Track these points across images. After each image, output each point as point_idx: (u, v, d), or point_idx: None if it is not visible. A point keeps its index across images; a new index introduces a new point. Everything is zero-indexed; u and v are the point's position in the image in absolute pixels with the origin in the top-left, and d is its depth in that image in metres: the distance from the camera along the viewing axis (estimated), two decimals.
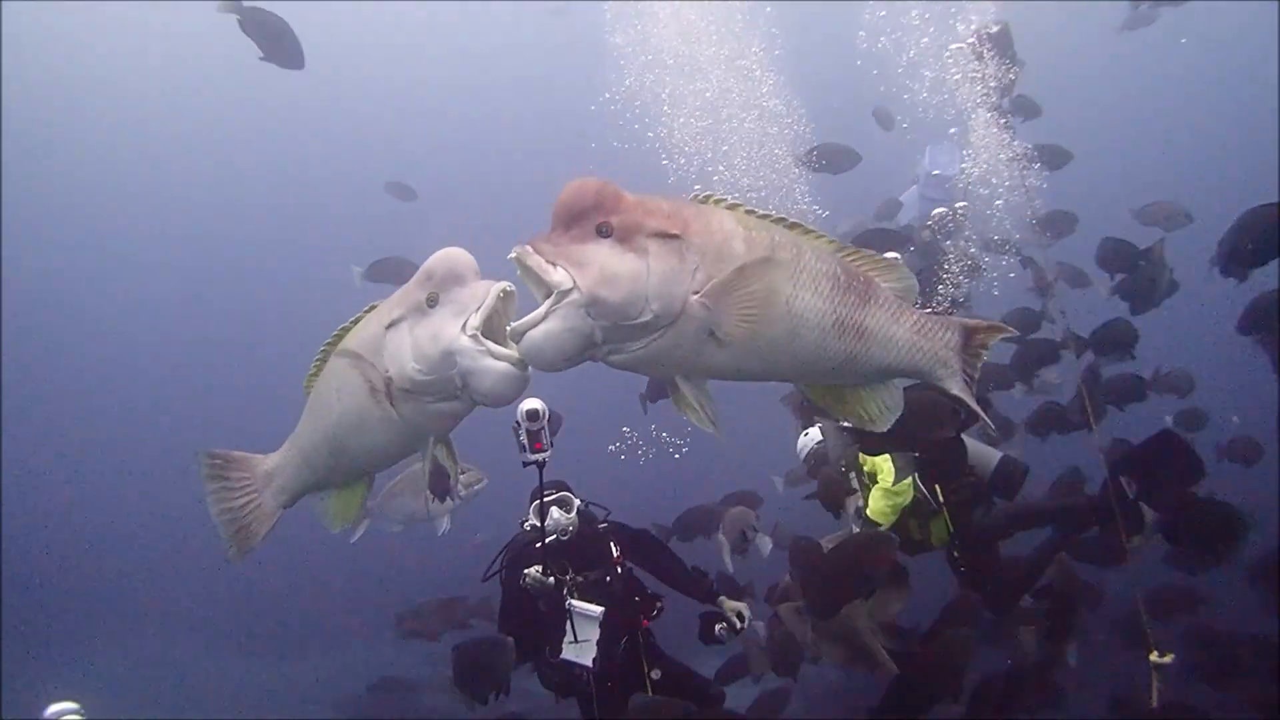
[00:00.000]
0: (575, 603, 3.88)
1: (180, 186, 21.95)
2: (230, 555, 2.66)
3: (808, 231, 2.21)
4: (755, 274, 1.95)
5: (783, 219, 2.17)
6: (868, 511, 4.65)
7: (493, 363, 2.15)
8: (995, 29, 6.20)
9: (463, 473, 6.48)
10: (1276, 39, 17.68)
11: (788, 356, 2.14)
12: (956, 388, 2.37)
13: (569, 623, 3.84)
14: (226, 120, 21.27)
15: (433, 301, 2.25)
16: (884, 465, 4.71)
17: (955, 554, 4.64)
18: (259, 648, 11.69)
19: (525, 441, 3.29)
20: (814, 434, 5.16)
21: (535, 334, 1.93)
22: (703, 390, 2.16)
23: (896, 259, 2.43)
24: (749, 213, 2.14)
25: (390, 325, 2.32)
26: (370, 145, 21.55)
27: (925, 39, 7.25)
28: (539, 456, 3.30)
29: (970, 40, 6.26)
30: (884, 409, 2.40)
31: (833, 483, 4.88)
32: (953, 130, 7.09)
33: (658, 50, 7.65)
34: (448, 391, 2.27)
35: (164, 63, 20.93)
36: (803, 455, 5.17)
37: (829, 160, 6.94)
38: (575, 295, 1.90)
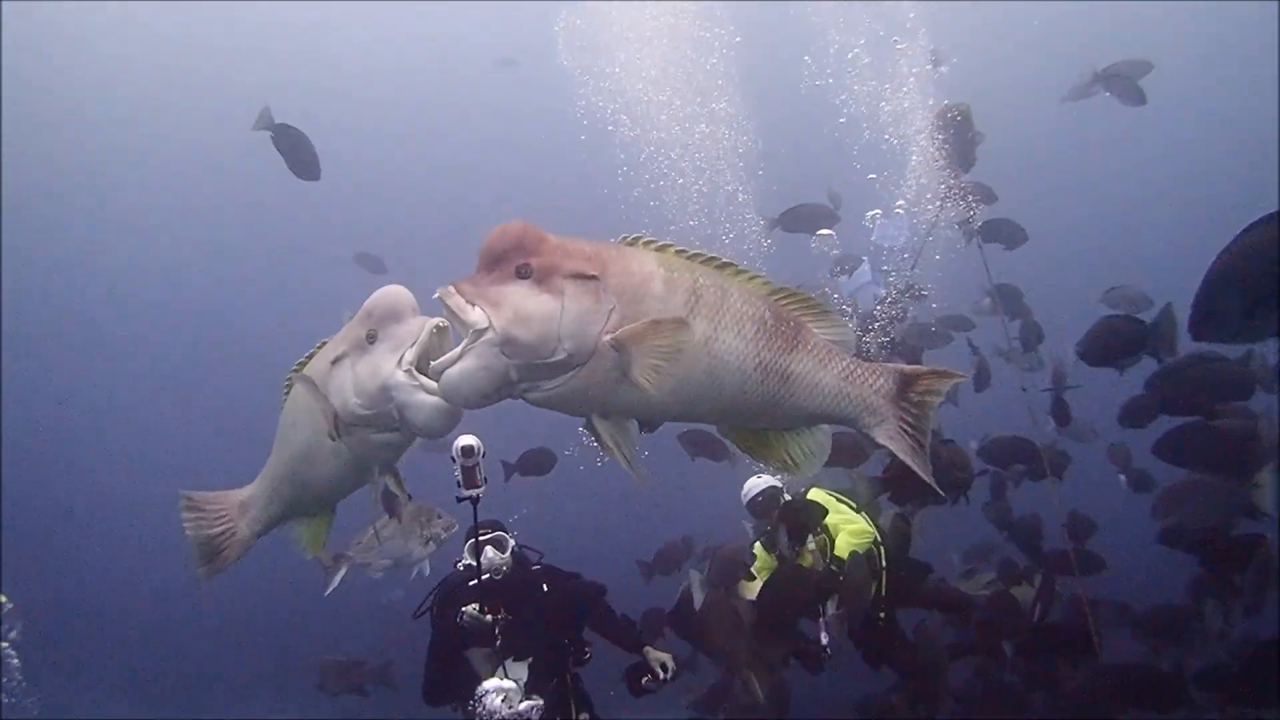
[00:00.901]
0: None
1: (180, 186, 21.93)
2: (199, 576, 2.83)
3: (740, 272, 2.22)
4: (666, 330, 1.98)
5: (714, 258, 2.19)
6: (835, 551, 4.81)
7: (425, 397, 2.25)
8: (956, 109, 6.38)
9: (438, 517, 6.55)
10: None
11: (707, 398, 2.14)
12: (883, 436, 2.30)
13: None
14: (224, 120, 21.52)
15: (372, 338, 2.37)
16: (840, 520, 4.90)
17: (880, 616, 4.69)
18: (172, 698, 11.48)
19: (460, 477, 3.28)
20: (763, 480, 5.24)
21: (451, 372, 1.98)
22: (621, 429, 2.16)
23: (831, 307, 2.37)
24: (679, 253, 2.17)
25: (335, 361, 2.44)
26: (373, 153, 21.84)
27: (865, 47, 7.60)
28: (473, 493, 3.30)
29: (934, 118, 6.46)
30: (809, 454, 2.36)
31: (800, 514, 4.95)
32: (899, 205, 7.30)
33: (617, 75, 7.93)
34: (388, 424, 2.38)
35: (163, 64, 21.02)
36: (746, 499, 5.22)
37: (805, 221, 7.13)
38: (490, 334, 1.94)
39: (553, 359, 1.97)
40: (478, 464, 3.27)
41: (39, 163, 20.45)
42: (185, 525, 2.83)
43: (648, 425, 6.11)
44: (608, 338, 1.99)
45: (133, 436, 18.39)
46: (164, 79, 20.84)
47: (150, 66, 20.72)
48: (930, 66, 7.18)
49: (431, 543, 6.54)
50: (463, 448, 3.24)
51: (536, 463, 7.01)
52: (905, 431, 2.30)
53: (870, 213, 7.40)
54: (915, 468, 2.29)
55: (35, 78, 19.81)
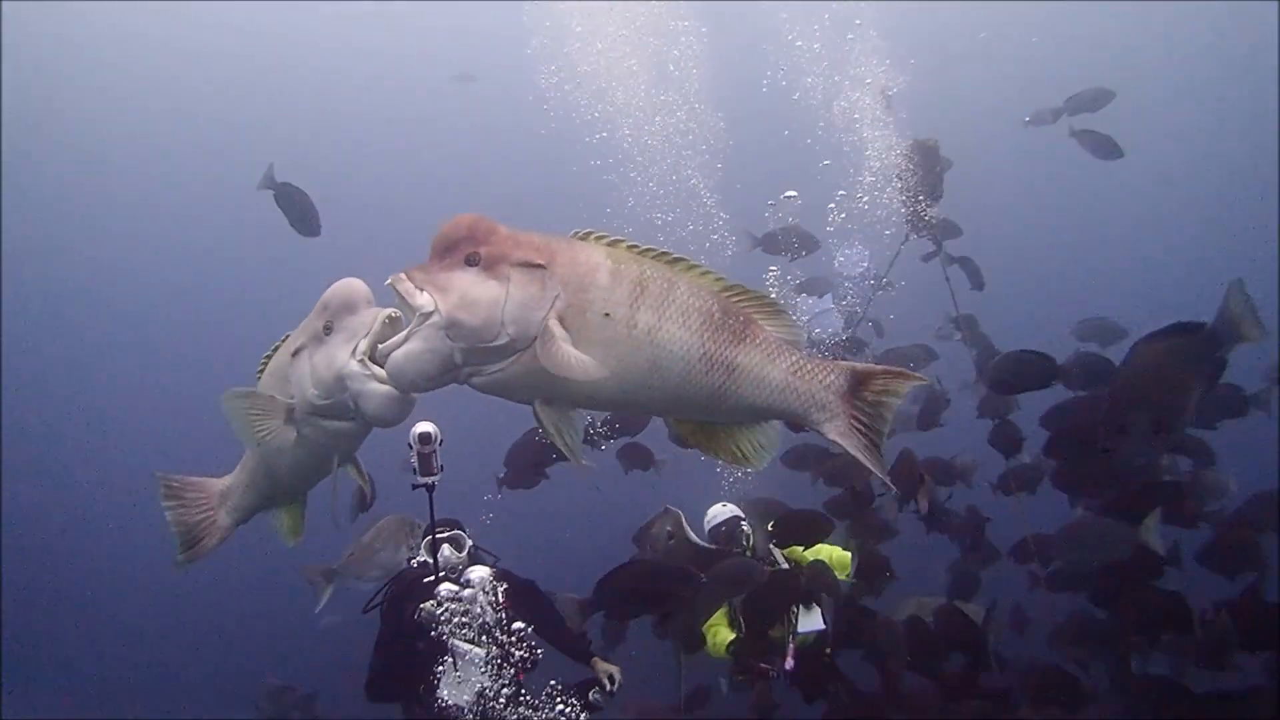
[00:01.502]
0: (460, 644, 3.79)
1: (176, 186, 22.08)
2: (178, 560, 2.91)
3: (692, 267, 2.23)
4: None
5: (666, 254, 2.21)
6: None
7: (376, 385, 2.30)
8: (925, 143, 6.54)
9: (419, 528, 6.56)
10: None
11: (651, 387, 2.15)
12: (834, 433, 2.28)
13: (451, 661, 3.74)
14: (223, 118, 21.51)
15: (329, 329, 2.43)
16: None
17: (826, 653, 4.73)
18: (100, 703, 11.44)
19: (416, 464, 3.29)
20: (728, 509, 5.21)
21: (397, 354, 2.02)
22: (565, 417, 2.17)
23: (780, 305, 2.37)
24: (631, 248, 2.19)
25: (295, 353, 2.51)
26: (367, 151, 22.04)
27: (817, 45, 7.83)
28: (428, 480, 3.31)
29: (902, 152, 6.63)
30: (758, 448, 2.35)
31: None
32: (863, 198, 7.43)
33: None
34: (345, 414, 2.43)
35: (163, 65, 21.19)
36: (709, 527, 5.15)
37: (787, 244, 7.22)
38: (436, 317, 1.98)
39: (496, 343, 2.01)
40: (435, 451, 3.28)
41: (38, 162, 20.59)
42: (165, 510, 2.89)
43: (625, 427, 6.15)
44: (552, 323, 2.01)
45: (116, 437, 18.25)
46: (129, 86, 21.08)
47: (112, 72, 20.97)
48: (882, 99, 7.33)
49: (415, 554, 6.55)
50: (420, 434, 3.25)
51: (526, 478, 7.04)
52: (858, 429, 2.28)
53: (838, 194, 7.48)
54: (867, 464, 2.28)
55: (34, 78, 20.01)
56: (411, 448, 3.28)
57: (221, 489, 2.93)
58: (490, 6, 16.91)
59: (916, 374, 2.31)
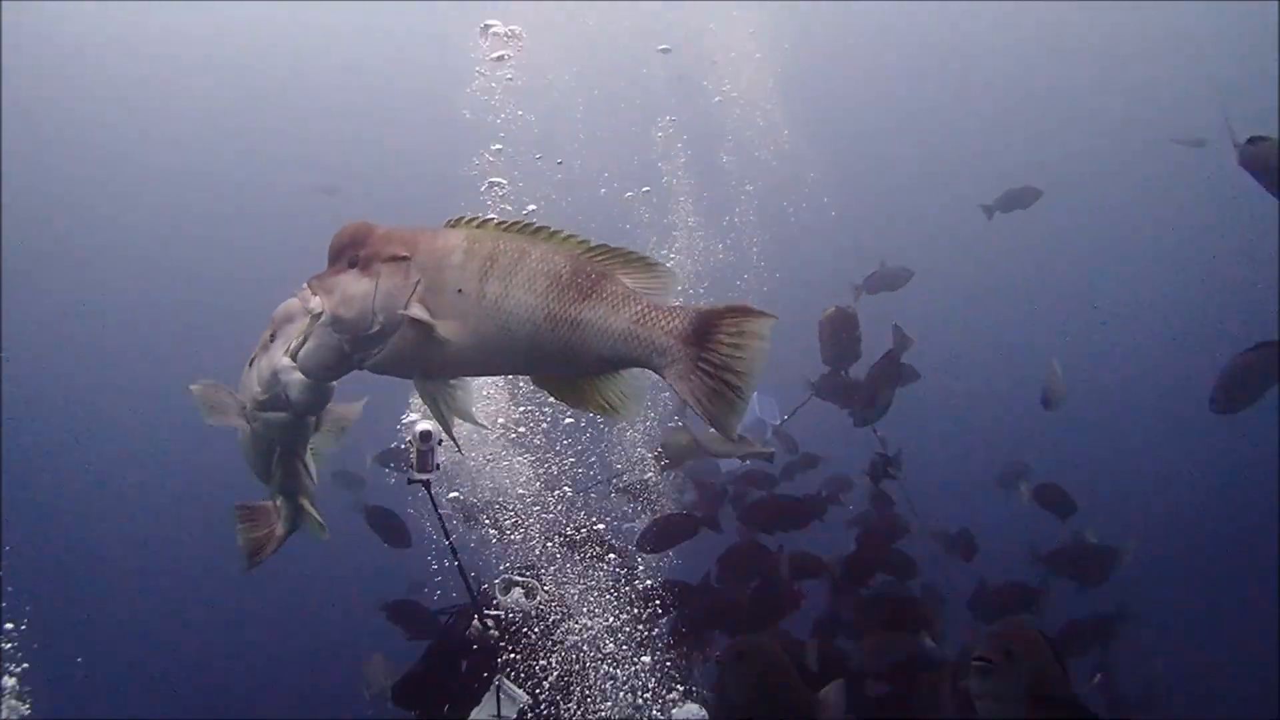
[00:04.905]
0: (506, 682, 3.86)
1: (176, 187, 22.44)
2: (243, 568, 3.35)
3: (553, 235, 2.41)
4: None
5: (529, 225, 2.42)
6: None
7: (299, 376, 2.79)
8: (846, 310, 6.98)
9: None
10: None
11: (504, 350, 2.38)
12: (671, 376, 2.25)
13: (495, 696, 3.78)
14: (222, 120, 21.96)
15: (273, 338, 3.02)
16: None
17: None
18: None
19: (414, 460, 3.48)
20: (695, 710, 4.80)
21: (301, 352, 2.41)
22: (442, 389, 2.46)
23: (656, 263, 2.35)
24: (499, 225, 2.44)
25: (250, 363, 3.09)
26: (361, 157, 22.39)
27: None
28: (424, 477, 3.52)
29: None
30: (624, 397, 2.38)
31: None
32: None
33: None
34: (281, 405, 2.97)
35: (162, 64, 21.63)
36: None
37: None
38: (324, 316, 2.35)
39: (371, 331, 2.33)
40: (433, 449, 3.47)
41: (38, 161, 20.86)
42: (237, 532, 3.37)
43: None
44: (414, 307, 2.32)
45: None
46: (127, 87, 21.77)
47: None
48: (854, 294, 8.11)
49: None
50: (420, 432, 3.45)
51: None
52: (702, 372, 2.22)
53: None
54: (697, 410, 2.31)
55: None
56: (412, 445, 3.54)
57: (277, 504, 3.27)
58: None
59: (759, 309, 2.21)
